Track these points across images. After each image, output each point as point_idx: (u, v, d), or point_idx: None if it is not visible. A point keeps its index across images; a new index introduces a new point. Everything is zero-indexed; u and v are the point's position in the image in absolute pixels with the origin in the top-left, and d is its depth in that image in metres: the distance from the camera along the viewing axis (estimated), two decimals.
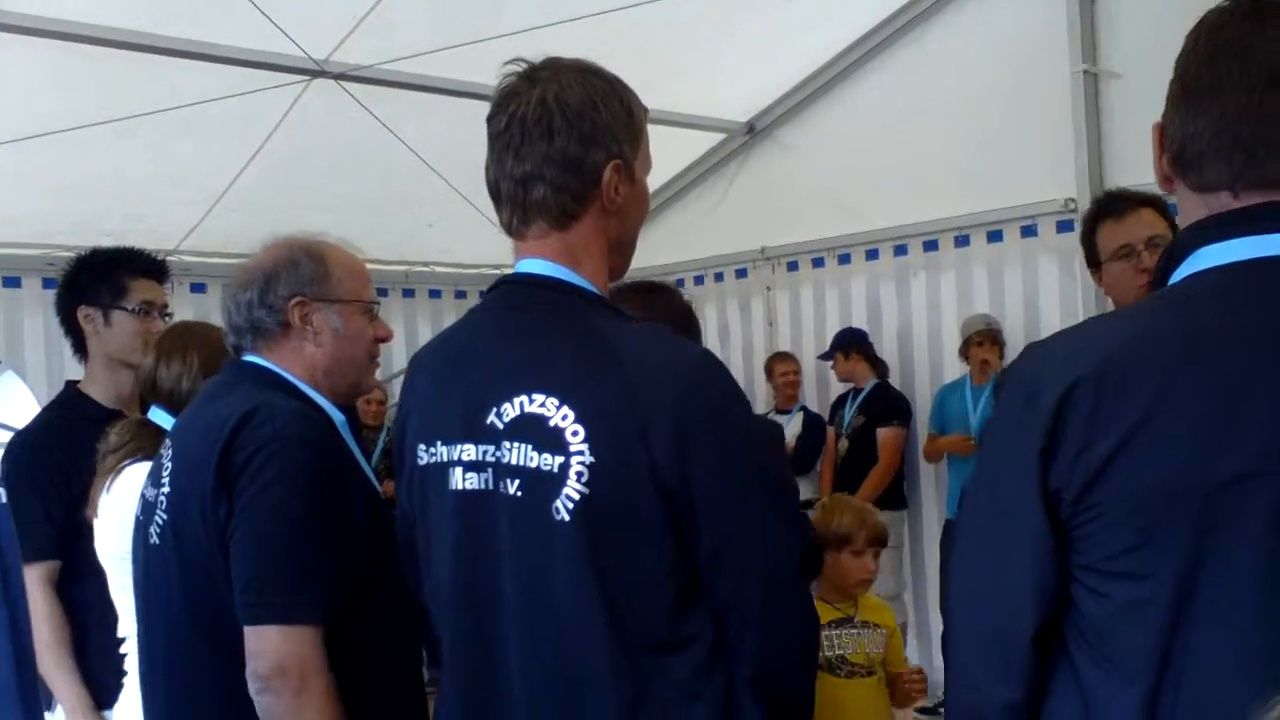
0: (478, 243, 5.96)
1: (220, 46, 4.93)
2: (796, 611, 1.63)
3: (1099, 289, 2.96)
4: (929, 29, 6.14)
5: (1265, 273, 1.23)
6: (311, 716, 1.84)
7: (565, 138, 1.61)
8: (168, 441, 2.11)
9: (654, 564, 1.54)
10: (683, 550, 1.54)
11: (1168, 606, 1.19)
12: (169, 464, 2.04)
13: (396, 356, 6.73)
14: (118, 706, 2.53)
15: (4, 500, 1.36)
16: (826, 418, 6.80)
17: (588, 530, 1.53)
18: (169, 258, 6.39)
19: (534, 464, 1.55)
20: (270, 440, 1.91)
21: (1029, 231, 5.93)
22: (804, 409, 6.93)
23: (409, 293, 7.57)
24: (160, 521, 2.02)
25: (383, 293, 7.43)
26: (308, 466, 1.92)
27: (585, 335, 1.60)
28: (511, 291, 1.71)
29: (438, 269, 7.61)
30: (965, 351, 5.97)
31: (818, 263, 6.93)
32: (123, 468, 2.46)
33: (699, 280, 7.56)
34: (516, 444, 1.57)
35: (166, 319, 2.97)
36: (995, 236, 6.09)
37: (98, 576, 2.51)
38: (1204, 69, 1.28)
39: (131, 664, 2.49)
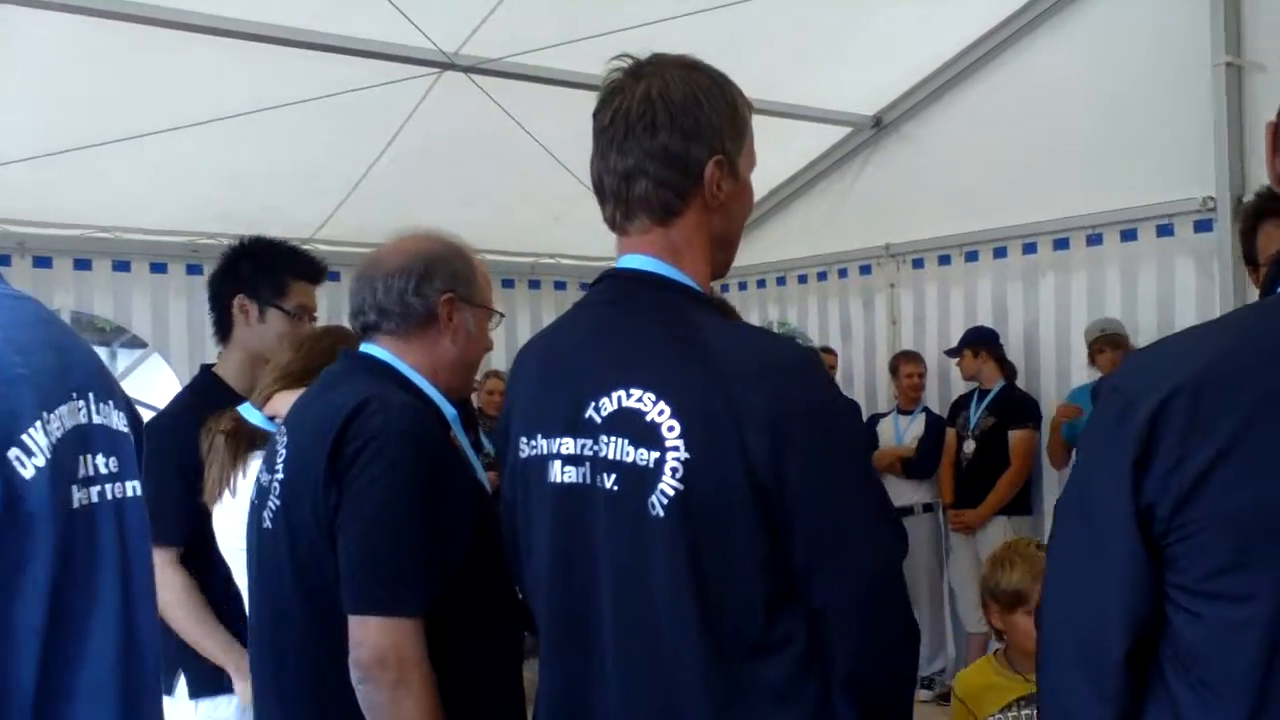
0: (603, 236, 6.00)
1: (354, 39, 5.06)
2: (893, 615, 1.60)
3: (1237, 293, 2.84)
4: (1063, 21, 5.96)
5: None
6: (409, 708, 1.87)
7: (668, 133, 1.61)
8: (282, 427, 2.17)
9: (748, 562, 1.53)
10: (777, 549, 1.53)
11: (1266, 630, 1.15)
12: (284, 450, 2.09)
13: (516, 349, 6.83)
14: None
15: (138, 493, 1.42)
16: (946, 417, 6.68)
17: (683, 526, 1.53)
18: (304, 246, 6.66)
19: (630, 459, 1.56)
20: (381, 432, 1.94)
21: (1165, 231, 5.72)
22: (926, 410, 6.83)
23: (534, 284, 7.68)
24: (274, 507, 2.07)
25: (509, 284, 7.60)
26: (415, 460, 1.95)
27: (683, 331, 1.60)
28: (612, 287, 1.72)
29: (563, 261, 7.71)
30: (1094, 357, 5.79)
31: (944, 260, 6.80)
32: (250, 458, 2.51)
33: (822, 276, 7.50)
34: (614, 438, 1.58)
35: (313, 322, 3.02)
36: (1129, 236, 5.89)
37: (217, 563, 2.56)
38: None
39: None
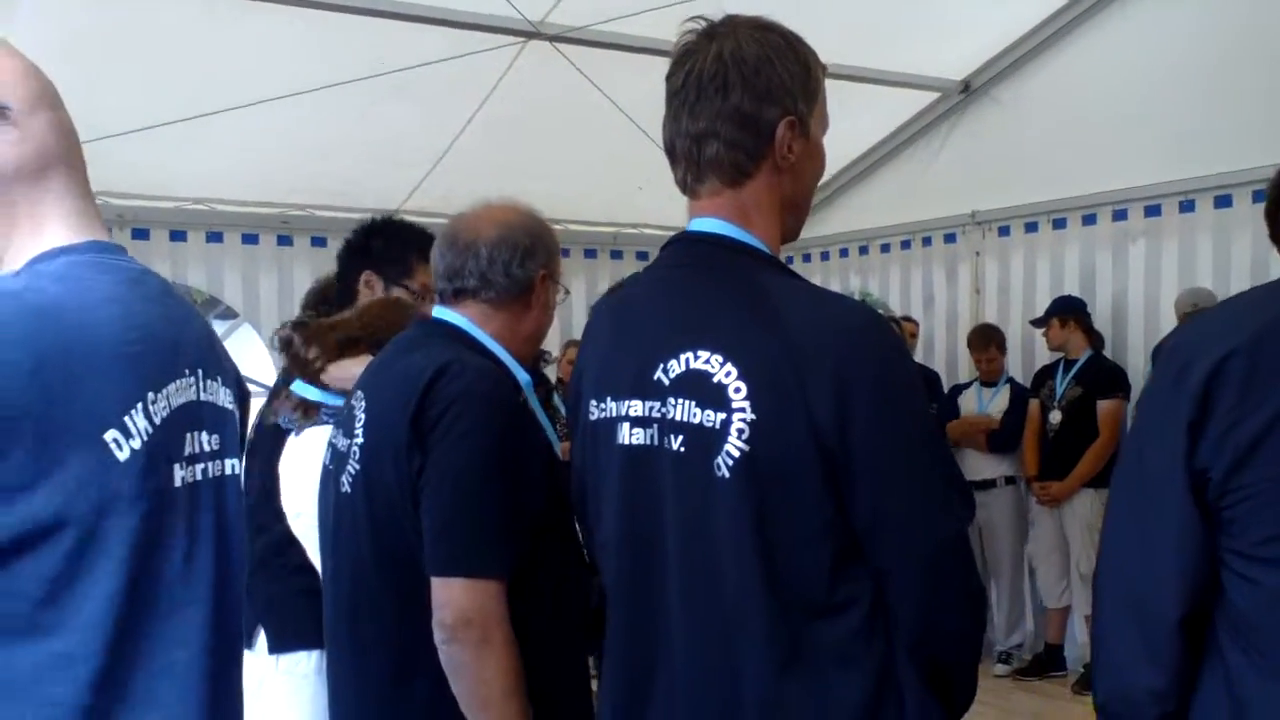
0: (685, 204, 6.01)
1: (440, 9, 5.10)
2: (957, 580, 1.59)
3: None
4: None
5: None
6: (493, 667, 1.92)
7: (740, 93, 1.62)
8: (359, 393, 2.19)
9: (813, 523, 1.54)
10: (841, 511, 1.53)
11: None
12: (362, 415, 2.12)
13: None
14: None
15: (238, 471, 1.47)
16: (1029, 388, 6.58)
17: (748, 487, 1.54)
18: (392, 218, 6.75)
19: (697, 420, 1.57)
20: (463, 394, 1.98)
21: (1260, 197, 5.55)
22: (1011, 381, 6.72)
23: (617, 254, 7.71)
24: (353, 471, 2.11)
25: (591, 254, 7.64)
26: (496, 423, 1.99)
27: (751, 293, 1.60)
28: (683, 250, 1.73)
29: (646, 230, 7.71)
30: None
31: (1030, 228, 6.69)
32: (303, 429, 2.55)
33: (905, 245, 7.43)
34: (681, 400, 1.59)
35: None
36: (1224, 202, 5.73)
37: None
38: None
39: None
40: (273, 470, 2.59)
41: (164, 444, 1.26)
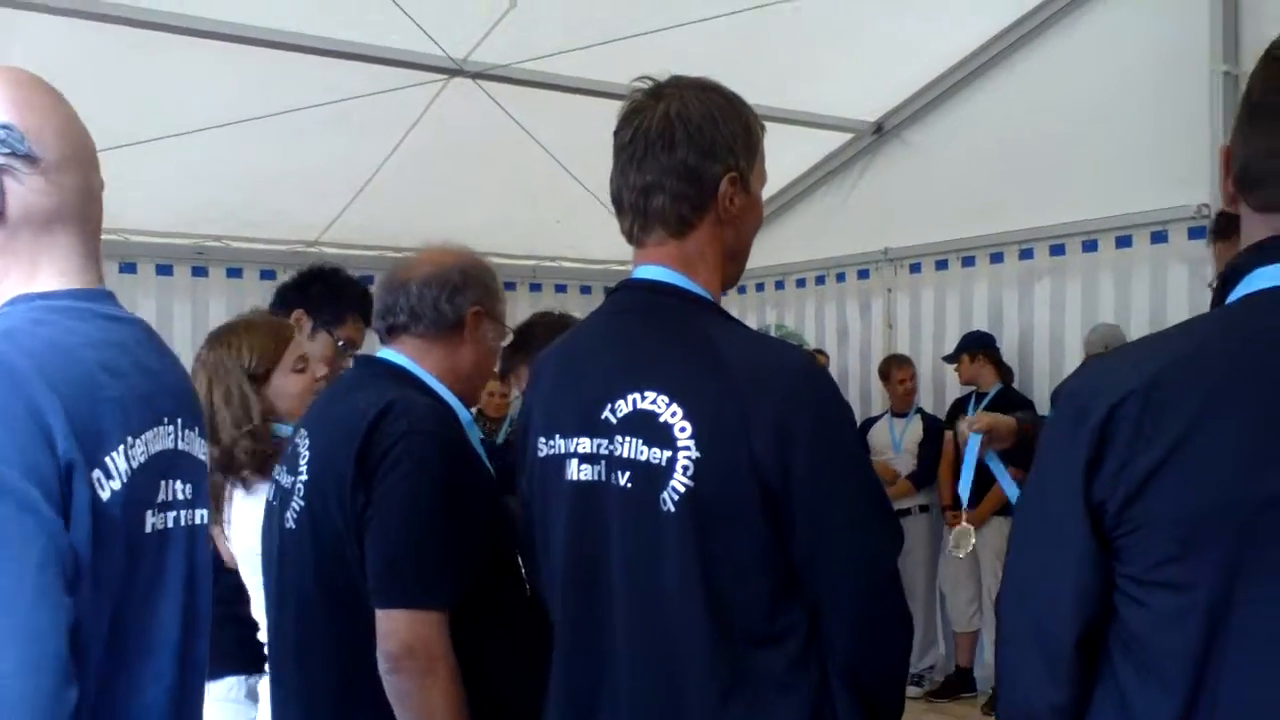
0: (604, 238, 6.08)
1: (364, 45, 5.12)
2: (889, 607, 1.68)
3: None
4: (1061, 30, 6.05)
5: None
6: (437, 697, 1.96)
7: (685, 150, 1.70)
8: (303, 430, 2.23)
9: (753, 556, 1.61)
10: (781, 544, 1.61)
11: (1205, 618, 1.23)
12: (306, 452, 2.16)
13: None
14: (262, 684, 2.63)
15: (206, 520, 1.48)
16: (943, 420, 6.76)
17: (692, 520, 1.61)
18: (309, 249, 6.74)
19: (644, 457, 1.64)
20: (406, 433, 2.03)
21: (1159, 238, 5.82)
22: (921, 411, 6.91)
23: (536, 287, 7.75)
24: (297, 508, 2.15)
25: (510, 286, 7.64)
26: (439, 460, 2.04)
27: (695, 338, 1.69)
28: (629, 296, 1.80)
29: (564, 264, 7.79)
30: None
31: (941, 265, 6.89)
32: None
33: (820, 280, 7.60)
34: (628, 438, 1.66)
35: (353, 357, 3.15)
36: (1124, 242, 5.98)
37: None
38: (1270, 91, 1.31)
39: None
40: None
41: (140, 488, 1.28)
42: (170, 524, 1.35)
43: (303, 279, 3.32)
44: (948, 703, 6.54)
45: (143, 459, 1.28)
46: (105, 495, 1.21)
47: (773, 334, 7.09)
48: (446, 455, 2.06)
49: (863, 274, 7.35)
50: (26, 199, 1.31)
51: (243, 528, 2.57)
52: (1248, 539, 1.21)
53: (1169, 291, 5.81)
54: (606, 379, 1.72)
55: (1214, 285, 1.41)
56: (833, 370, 7.28)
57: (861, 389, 7.41)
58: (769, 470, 1.59)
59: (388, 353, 2.26)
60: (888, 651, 1.70)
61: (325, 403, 2.28)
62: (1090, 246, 6.13)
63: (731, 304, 7.62)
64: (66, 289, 1.34)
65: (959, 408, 6.59)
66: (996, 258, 6.61)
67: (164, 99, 5.19)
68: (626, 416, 1.68)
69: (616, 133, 1.77)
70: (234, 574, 2.62)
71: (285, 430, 2.61)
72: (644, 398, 1.66)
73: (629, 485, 1.67)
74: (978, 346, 6.41)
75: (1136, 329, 5.83)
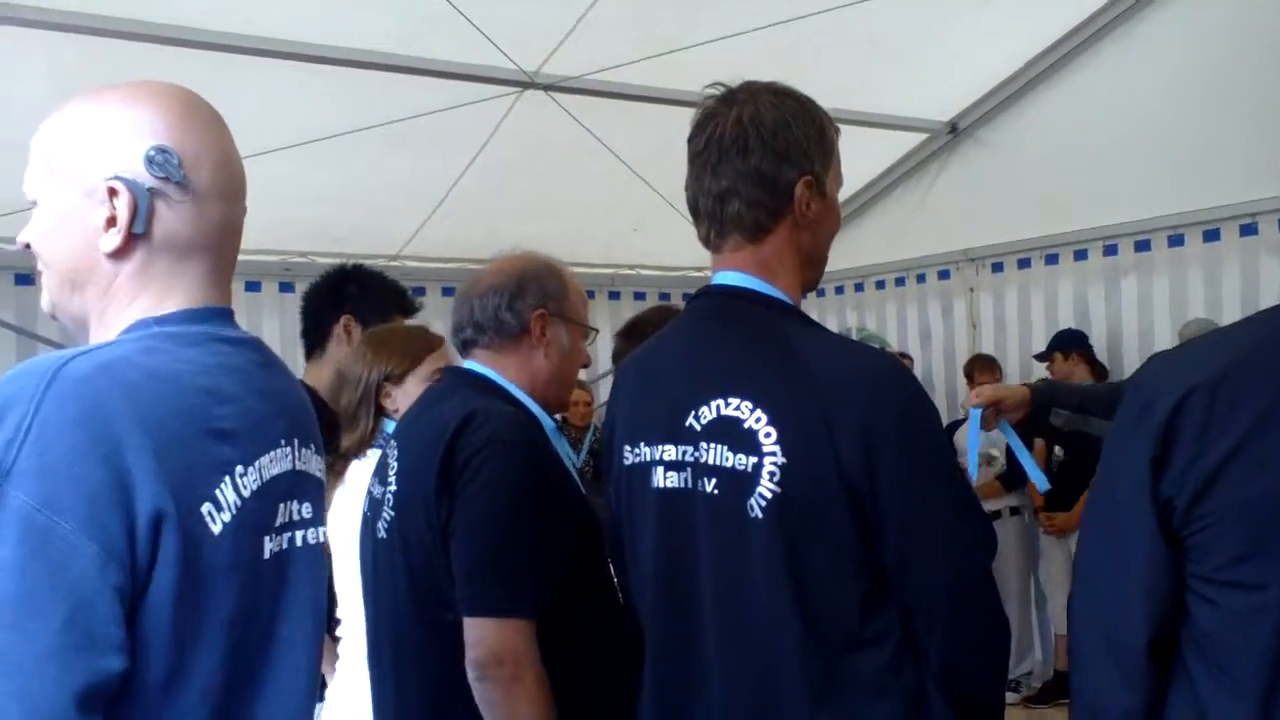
0: (680, 246, 6.09)
1: (437, 61, 5.18)
2: (983, 610, 1.66)
3: None
4: (1139, 22, 5.92)
5: None
6: (524, 705, 1.97)
7: (760, 155, 1.70)
8: (393, 442, 2.27)
9: (843, 560, 1.61)
10: (871, 549, 1.60)
11: (1278, 617, 1.20)
12: (395, 463, 2.19)
13: (601, 358, 6.92)
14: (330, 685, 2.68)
15: (325, 539, 1.47)
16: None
17: (780, 527, 1.61)
18: (391, 263, 6.84)
19: (729, 464, 1.64)
20: (488, 442, 2.04)
21: (1249, 230, 5.68)
22: None
23: (614, 295, 7.78)
24: (388, 518, 2.18)
25: (589, 295, 7.64)
26: (521, 468, 2.05)
27: (777, 342, 1.68)
28: (709, 303, 1.80)
29: (642, 272, 7.81)
30: None
31: (1023, 264, 6.79)
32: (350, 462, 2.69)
33: (900, 282, 7.52)
34: (713, 445, 1.67)
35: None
36: (1212, 236, 5.84)
37: None
38: None
39: (345, 647, 2.66)
40: None
41: (254, 515, 1.25)
42: (287, 545, 1.33)
43: (331, 282, 3.24)
44: (1046, 709, 6.40)
45: (256, 485, 1.25)
46: (216, 528, 1.18)
47: (854, 337, 7.04)
48: (528, 463, 2.07)
49: (943, 274, 7.26)
50: (171, 225, 1.29)
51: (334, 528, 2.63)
52: None
53: (1261, 284, 5.66)
54: (690, 386, 1.72)
55: None
56: (917, 372, 7.20)
57: (947, 390, 7.31)
58: (855, 474, 1.58)
59: (470, 363, 2.29)
60: (984, 655, 1.68)
61: (414, 414, 2.30)
62: (1177, 241, 6.00)
63: (811, 307, 7.61)
64: (181, 310, 1.30)
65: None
66: (1080, 255, 6.49)
67: (246, 120, 5.20)
68: (711, 423, 1.68)
69: (690, 140, 1.77)
70: None
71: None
72: (728, 404, 1.66)
73: (715, 492, 1.67)
74: (1071, 344, 6.28)
75: (1228, 323, 5.67)
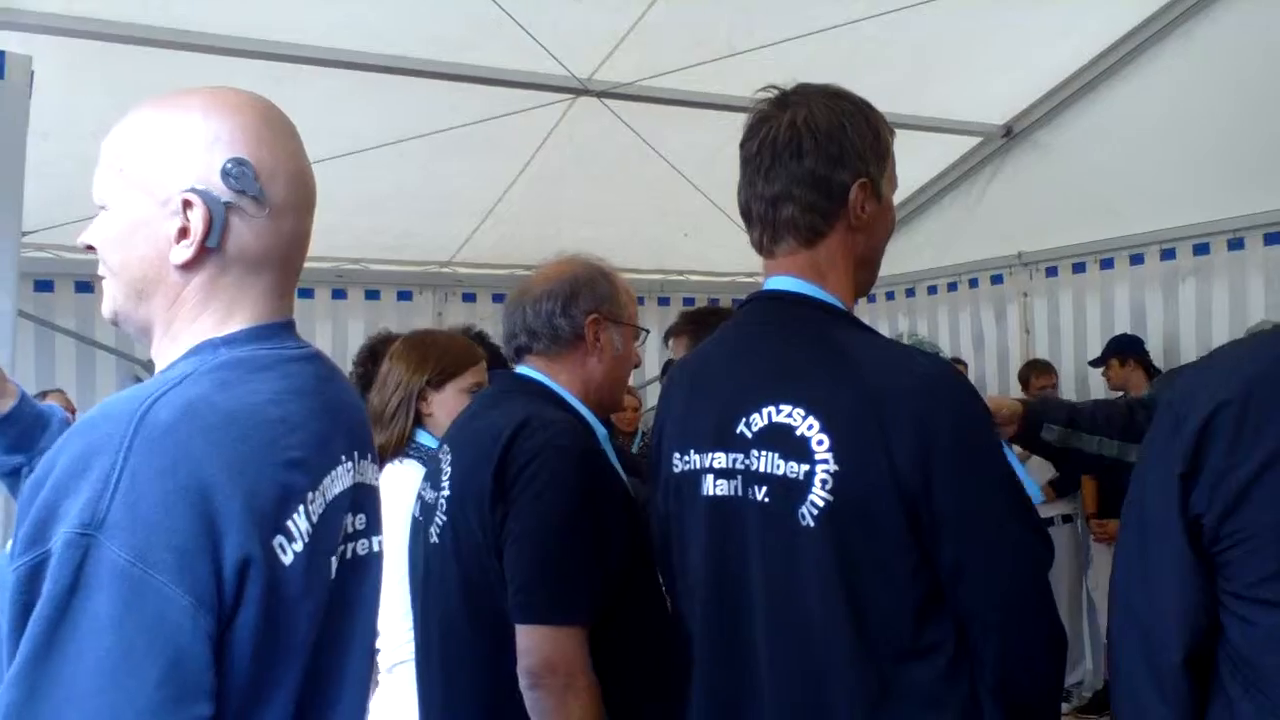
0: (730, 251, 6.09)
1: (491, 69, 5.21)
2: (1039, 621, 1.63)
3: None
4: (1198, 23, 5.82)
5: None
6: (577, 712, 1.96)
7: (814, 159, 1.69)
8: (445, 447, 2.27)
9: (897, 569, 1.58)
10: (925, 558, 1.58)
11: None
12: (448, 469, 2.19)
13: (649, 364, 6.92)
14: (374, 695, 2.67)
15: (381, 547, 1.47)
16: None
17: (833, 536, 1.59)
18: (444, 269, 6.88)
19: (780, 471, 1.62)
20: (543, 448, 2.03)
21: None
22: None
23: (664, 300, 7.78)
24: (440, 523, 2.18)
25: (639, 300, 7.66)
26: (575, 475, 2.04)
27: (829, 347, 1.66)
28: (761, 307, 1.79)
29: (692, 277, 7.80)
30: None
31: (1078, 268, 6.70)
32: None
33: (952, 287, 7.45)
34: (764, 452, 1.65)
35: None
36: (1273, 239, 5.73)
37: None
38: None
39: (384, 659, 2.68)
40: None
41: (322, 539, 1.24)
42: (350, 556, 1.33)
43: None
44: (1097, 718, 6.32)
45: (322, 509, 1.24)
46: (287, 559, 1.17)
47: (905, 343, 6.98)
48: (582, 470, 2.06)
49: (996, 279, 7.18)
50: (245, 239, 1.27)
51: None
52: None
53: None
54: (740, 392, 1.71)
55: None
56: (971, 378, 7.13)
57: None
58: (910, 480, 1.55)
59: (523, 368, 2.28)
60: (1040, 665, 1.64)
61: (466, 419, 2.30)
62: (1236, 245, 5.90)
63: (862, 312, 7.49)
64: (247, 328, 1.29)
65: None
66: (1137, 259, 6.39)
67: (300, 128, 5.29)
68: (762, 430, 1.66)
69: (743, 144, 1.76)
70: None
71: (427, 440, 2.69)
72: (779, 410, 1.64)
73: (766, 500, 1.65)
74: (1127, 350, 6.19)
75: None
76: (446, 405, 2.86)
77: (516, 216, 6.31)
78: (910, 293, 7.70)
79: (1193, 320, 6.15)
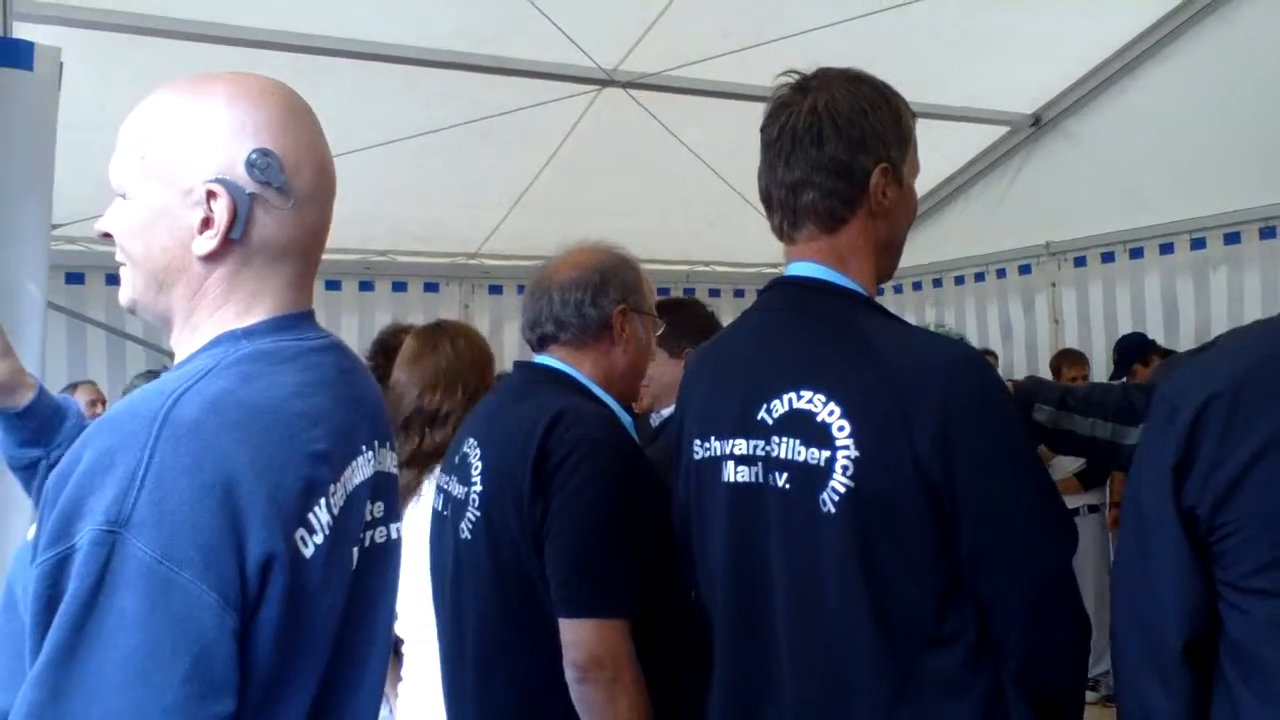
0: (756, 242, 6.07)
1: (517, 60, 5.21)
2: (1062, 609, 1.61)
3: None
4: (1228, 13, 5.75)
5: None
6: (625, 705, 1.95)
7: (834, 144, 1.68)
8: (471, 440, 2.22)
9: (918, 557, 1.57)
10: (946, 544, 1.57)
11: None
12: (478, 462, 2.16)
13: None
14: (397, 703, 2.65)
15: (399, 534, 1.48)
16: None
17: (854, 522, 1.58)
18: (471, 260, 6.89)
19: (802, 458, 1.62)
20: (580, 442, 2.02)
21: None
22: None
23: (690, 291, 7.75)
24: (473, 518, 2.14)
25: (664, 291, 7.68)
26: (615, 467, 2.02)
27: (851, 334, 1.65)
28: (781, 294, 1.79)
29: (717, 268, 7.79)
30: None
31: (1107, 258, 6.65)
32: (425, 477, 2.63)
33: (980, 277, 7.41)
34: (785, 439, 1.64)
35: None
36: None
37: None
38: None
39: (409, 666, 2.63)
40: None
41: (343, 531, 1.23)
42: (369, 544, 1.33)
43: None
44: None
45: (343, 501, 1.24)
46: (308, 551, 1.17)
47: None
48: (621, 461, 2.04)
49: (1024, 269, 7.14)
50: (269, 230, 1.26)
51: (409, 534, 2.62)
52: None
53: None
54: (761, 379, 1.70)
55: None
56: (1000, 369, 7.10)
57: None
58: (932, 466, 1.54)
59: (546, 358, 2.26)
60: (1064, 653, 1.63)
61: (492, 411, 2.26)
62: (1269, 234, 5.83)
63: (888, 302, 7.52)
64: (268, 319, 1.28)
65: None
66: (1167, 249, 6.34)
67: (325, 119, 5.30)
68: (783, 416, 1.66)
69: (763, 129, 1.75)
70: None
71: None
72: (800, 397, 1.64)
73: (787, 486, 1.65)
74: (1148, 350, 6.10)
75: None
76: None
77: (542, 208, 6.31)
78: (938, 283, 7.66)
79: (1224, 309, 6.09)
